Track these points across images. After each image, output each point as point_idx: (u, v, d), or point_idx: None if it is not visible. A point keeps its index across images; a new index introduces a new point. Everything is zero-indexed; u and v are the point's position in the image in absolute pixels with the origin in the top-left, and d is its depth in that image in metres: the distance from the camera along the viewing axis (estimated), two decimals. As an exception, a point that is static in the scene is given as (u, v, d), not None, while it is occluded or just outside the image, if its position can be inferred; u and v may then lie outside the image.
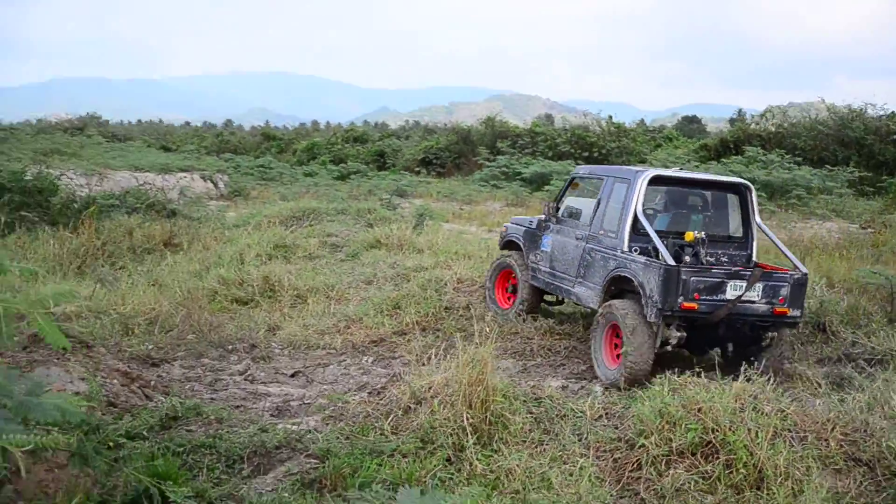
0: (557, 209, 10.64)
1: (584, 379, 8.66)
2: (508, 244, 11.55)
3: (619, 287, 9.15)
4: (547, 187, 30.86)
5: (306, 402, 7.51)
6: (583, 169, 11.09)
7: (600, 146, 38.95)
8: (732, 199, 9.92)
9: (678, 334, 8.50)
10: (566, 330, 10.17)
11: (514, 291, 11.13)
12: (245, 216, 19.44)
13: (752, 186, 9.82)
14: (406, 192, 29.84)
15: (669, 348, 8.57)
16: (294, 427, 6.46)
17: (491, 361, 6.20)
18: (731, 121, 53.50)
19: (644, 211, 9.26)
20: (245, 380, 8.45)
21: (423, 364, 7.07)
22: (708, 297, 8.46)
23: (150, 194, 20.17)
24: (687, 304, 8.39)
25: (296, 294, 12.18)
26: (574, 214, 10.30)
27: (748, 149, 33.78)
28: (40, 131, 50.84)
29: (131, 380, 6.96)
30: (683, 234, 9.37)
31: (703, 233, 9.36)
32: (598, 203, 9.80)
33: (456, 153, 43.21)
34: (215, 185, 33.48)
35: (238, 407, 7.24)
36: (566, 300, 10.60)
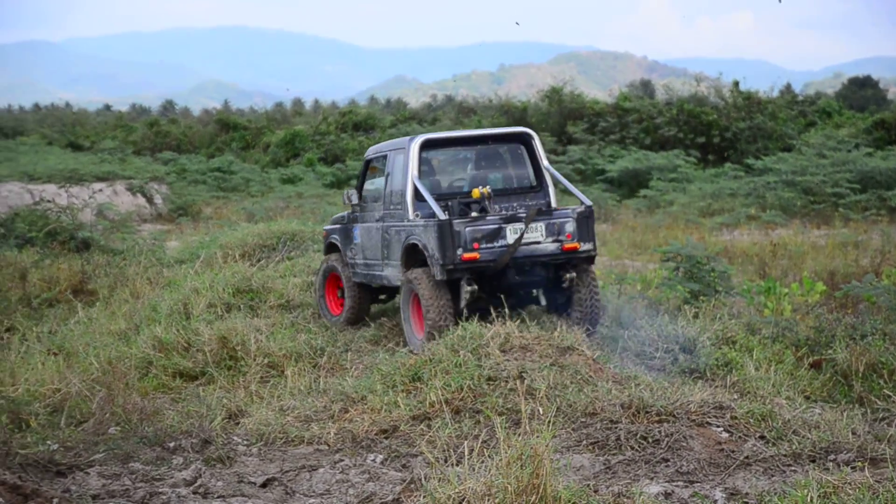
0: (361, 197, 14.48)
1: (696, 481, 8.68)
2: (330, 247, 15.48)
3: (415, 258, 12.82)
4: (643, 191, 30.91)
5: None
6: (373, 149, 14.91)
7: (722, 127, 38.81)
8: (518, 150, 14.00)
9: (469, 288, 12.26)
10: (666, 407, 10.21)
11: (342, 295, 14.59)
12: (193, 246, 19.67)
13: (533, 134, 13.91)
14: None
15: (464, 304, 12.26)
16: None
17: (550, 457, 6.25)
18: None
19: (431, 175, 13.41)
20: (195, 493, 8.53)
21: (453, 464, 7.13)
22: (488, 245, 12.17)
23: (52, 217, 20.40)
24: (467, 255, 12.07)
25: (268, 363, 12.32)
26: (373, 199, 14.24)
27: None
28: None
29: (24, 497, 7.08)
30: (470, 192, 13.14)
31: (488, 188, 12.97)
32: (385, 180, 13.77)
33: (507, 144, 43.54)
34: (149, 200, 33.97)
35: (184, 536, 7.34)
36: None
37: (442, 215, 12.15)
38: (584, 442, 9.48)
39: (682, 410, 9.90)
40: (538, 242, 12.41)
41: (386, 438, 9.96)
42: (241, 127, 59.78)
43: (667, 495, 8.20)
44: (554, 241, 12.48)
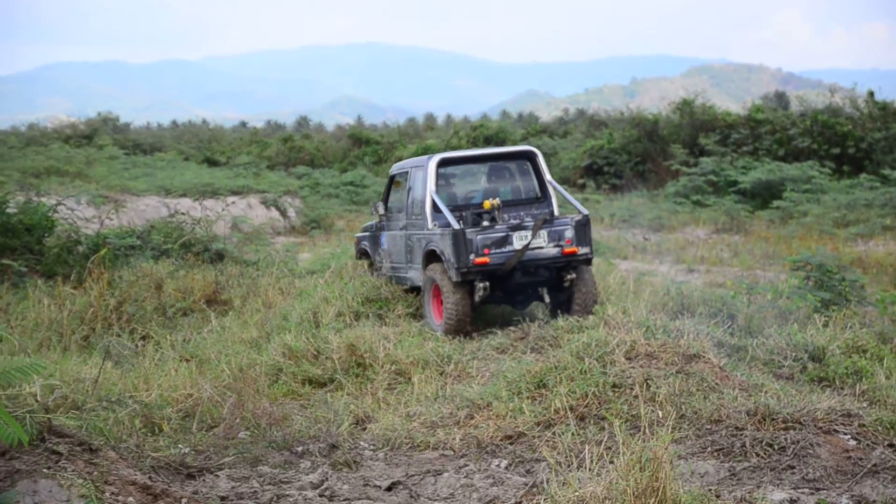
0: (386, 208, 16.88)
1: (822, 489, 8.54)
2: (362, 254, 17.88)
3: (430, 262, 14.96)
4: (776, 202, 30.48)
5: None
6: (397, 165, 17.40)
7: (857, 137, 38.13)
8: (524, 166, 16.23)
9: (482, 285, 14.36)
10: (792, 414, 10.06)
11: None
12: (324, 258, 19.88)
13: (537, 151, 16.19)
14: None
15: (478, 299, 14.46)
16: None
17: (669, 461, 6.21)
18: None
19: (447, 189, 15.70)
20: (321, 496, 8.62)
21: (575, 469, 7.12)
22: (498, 251, 14.28)
23: (187, 229, 20.76)
24: (479, 260, 14.17)
25: (395, 370, 12.41)
26: (397, 210, 16.55)
27: None
28: (31, 141, 52.38)
29: (154, 497, 7.22)
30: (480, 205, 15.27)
31: (497, 200, 15.09)
32: (408, 193, 15.99)
33: (638, 156, 43.14)
34: (283, 213, 34.42)
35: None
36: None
37: (456, 225, 14.31)
38: (709, 449, 9.39)
39: (808, 418, 9.76)
40: (541, 247, 14.57)
41: (510, 444, 9.97)
42: (373, 142, 60.24)
43: (791, 502, 8.09)
44: (555, 246, 14.65)
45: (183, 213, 22.22)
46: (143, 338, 14.49)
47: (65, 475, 6.76)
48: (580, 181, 42.26)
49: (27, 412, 7.04)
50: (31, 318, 14.58)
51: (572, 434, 9.55)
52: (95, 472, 7.11)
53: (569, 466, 7.44)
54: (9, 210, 18.82)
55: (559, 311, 14.60)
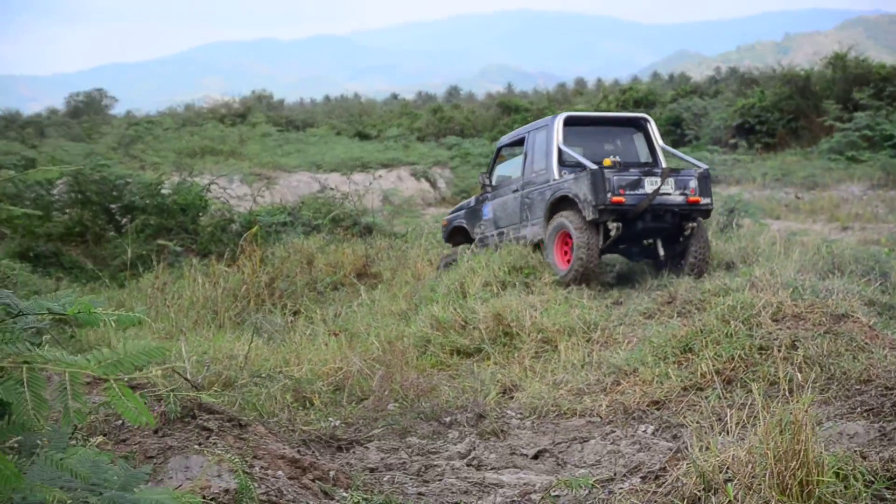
0: (491, 180, 18.21)
1: (977, 449, 8.36)
2: (453, 232, 18.90)
3: (557, 211, 15.80)
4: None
5: (554, 493, 7.66)
6: (505, 138, 18.84)
7: None
8: (638, 132, 17.26)
9: (615, 225, 14.98)
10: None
11: None
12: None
13: (649, 118, 17.39)
14: (713, 178, 29.71)
15: (609, 241, 15.14)
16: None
17: (810, 423, 6.16)
18: None
19: (570, 146, 16.17)
20: (468, 465, 8.70)
21: (720, 433, 7.10)
22: (631, 192, 14.96)
23: (336, 204, 21.06)
24: (616, 199, 14.83)
25: (541, 338, 12.43)
26: (505, 179, 17.86)
27: None
28: (186, 122, 53.51)
29: (303, 470, 7.39)
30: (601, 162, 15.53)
31: (617, 157, 16.02)
32: (525, 155, 17.14)
33: (790, 113, 42.29)
34: (433, 184, 34.59)
35: (457, 505, 7.51)
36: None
37: (593, 166, 15.15)
38: (859, 409, 9.25)
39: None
40: (668, 194, 15.28)
41: (657, 409, 9.94)
42: (522, 109, 59.96)
43: (941, 462, 7.94)
44: (681, 195, 15.39)
45: (332, 189, 22.51)
46: (295, 313, 14.74)
47: (215, 451, 6.96)
48: (731, 141, 41.63)
49: (171, 391, 7.28)
50: (187, 297, 14.94)
51: (717, 398, 9.52)
52: (245, 447, 7.30)
53: (712, 430, 7.41)
54: (164, 191, 19.30)
55: (668, 268, 15.73)
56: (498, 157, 18.55)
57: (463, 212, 18.84)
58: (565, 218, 15.42)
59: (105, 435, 6.86)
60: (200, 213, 18.85)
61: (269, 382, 10.08)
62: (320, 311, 14.59)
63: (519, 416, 10.23)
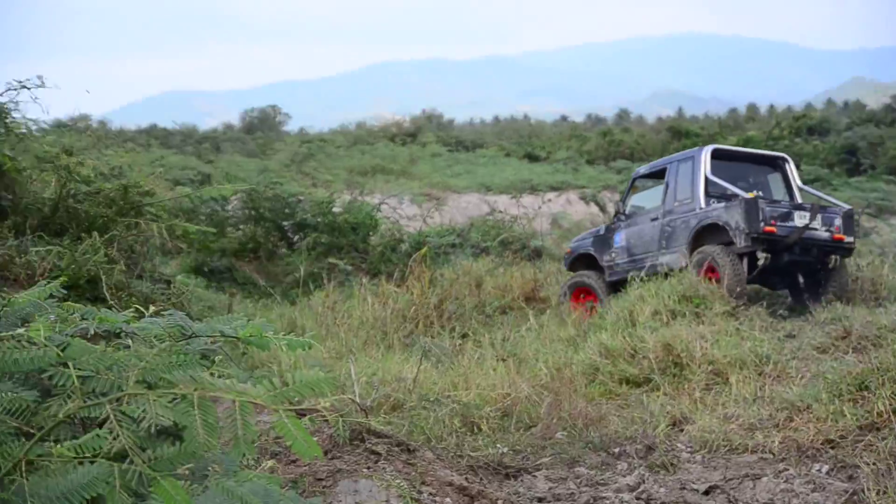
0: (625, 210, 18.48)
1: None
2: (577, 260, 18.91)
3: (701, 241, 16.26)
4: None
5: (726, 534, 7.49)
6: (642, 168, 19.37)
7: None
8: (777, 170, 17.83)
9: (765, 255, 15.46)
10: None
11: (591, 307, 16.92)
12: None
13: (788, 158, 18.11)
14: (888, 209, 28.89)
15: (756, 272, 15.54)
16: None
17: None
18: None
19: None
20: (637, 499, 8.57)
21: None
22: (782, 223, 15.42)
23: (505, 226, 21.07)
24: (768, 228, 15.26)
25: (712, 370, 12.19)
26: (639, 208, 18.24)
27: None
28: (357, 140, 54.23)
29: (471, 498, 7.32)
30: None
31: (759, 192, 16.05)
32: (667, 185, 17.40)
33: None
34: (602, 208, 34.39)
35: (622, 541, 7.38)
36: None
37: (746, 195, 15.68)
38: None
39: None
40: (816, 230, 15.84)
41: (831, 448, 9.61)
42: (693, 134, 59.29)
43: None
44: (826, 231, 15.96)
45: (501, 211, 22.53)
46: (463, 336, 14.73)
47: (383, 475, 6.94)
48: (910, 171, 40.55)
49: (341, 415, 7.27)
50: (357, 316, 15.03)
51: (895, 438, 9.17)
52: (413, 473, 7.27)
53: (889, 473, 7.13)
54: (335, 209, 19.52)
55: (808, 300, 16.08)
56: (632, 187, 18.99)
57: (590, 240, 19.07)
58: (710, 249, 15.82)
59: (275, 456, 6.88)
60: (371, 233, 19.05)
61: (438, 406, 10.04)
62: (488, 335, 14.55)
63: (689, 449, 10.02)
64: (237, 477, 3.80)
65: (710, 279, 15.55)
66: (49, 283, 4.61)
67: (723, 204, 16.11)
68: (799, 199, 17.36)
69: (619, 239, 18.13)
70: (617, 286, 17.66)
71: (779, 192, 17.65)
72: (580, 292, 18.13)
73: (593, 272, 18.47)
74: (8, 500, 3.21)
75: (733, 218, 15.60)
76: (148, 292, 11.19)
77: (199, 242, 19.54)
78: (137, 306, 5.34)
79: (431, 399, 10.27)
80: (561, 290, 18.13)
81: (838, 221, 16.04)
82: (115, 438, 3.44)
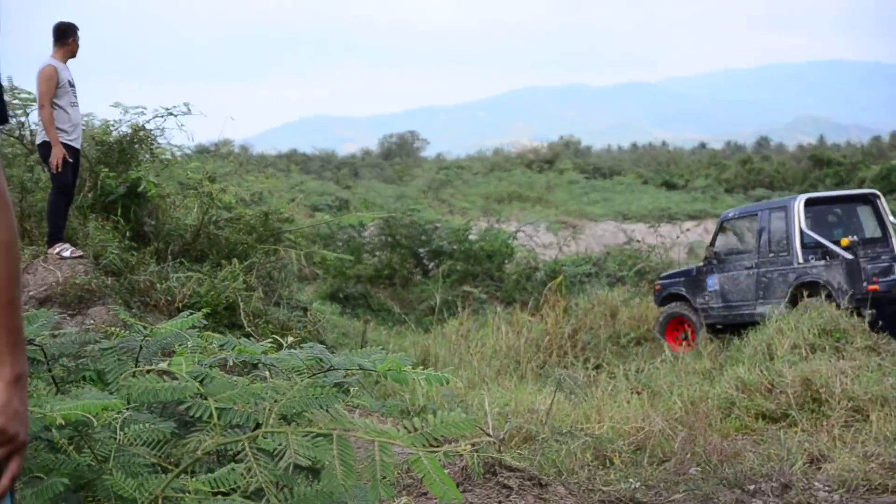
0: (715, 252, 17.98)
1: None
2: (668, 297, 18.13)
3: (801, 293, 15.97)
4: None
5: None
6: (731, 212, 18.99)
7: None
8: (868, 207, 17.42)
9: (870, 311, 14.87)
10: None
11: (685, 337, 17.26)
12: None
13: (879, 194, 17.60)
14: None
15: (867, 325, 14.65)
16: None
17: None
18: None
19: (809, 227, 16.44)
20: (772, 538, 8.47)
21: None
22: (884, 279, 15.23)
23: (642, 255, 20.96)
24: (871, 287, 15.12)
25: (852, 406, 11.95)
26: (732, 253, 17.84)
27: None
28: (494, 167, 54.39)
29: (600, 534, 7.29)
30: (837, 242, 15.97)
31: (855, 237, 16.13)
32: (759, 234, 17.15)
33: None
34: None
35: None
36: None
37: (848, 256, 15.53)
38: None
39: None
40: None
41: (977, 492, 9.41)
42: (835, 162, 58.29)
43: None
44: None
45: (638, 241, 22.43)
46: (597, 367, 14.67)
47: (513, 511, 6.95)
48: None
49: (475, 449, 7.29)
50: (490, 345, 15.07)
51: None
52: (545, 508, 7.26)
53: None
54: (471, 237, 19.61)
55: None
56: (721, 229, 18.35)
57: (682, 279, 18.47)
58: (814, 304, 15.31)
59: (406, 488, 6.93)
60: (506, 261, 19.10)
61: (570, 439, 10.02)
62: (622, 367, 14.48)
63: (827, 488, 9.85)
64: (373, 517, 3.82)
65: None
66: (192, 313, 4.70)
67: (823, 262, 16.05)
68: (893, 234, 17.16)
69: (713, 283, 17.82)
70: (713, 326, 17.69)
71: (869, 226, 17.43)
72: (675, 324, 17.89)
73: (687, 304, 18.14)
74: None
75: (835, 278, 15.65)
76: (284, 319, 11.36)
77: (335, 269, 19.81)
78: (275, 336, 5.42)
79: (564, 431, 10.25)
80: (655, 327, 17.77)
81: None
82: (251, 474, 3.50)
